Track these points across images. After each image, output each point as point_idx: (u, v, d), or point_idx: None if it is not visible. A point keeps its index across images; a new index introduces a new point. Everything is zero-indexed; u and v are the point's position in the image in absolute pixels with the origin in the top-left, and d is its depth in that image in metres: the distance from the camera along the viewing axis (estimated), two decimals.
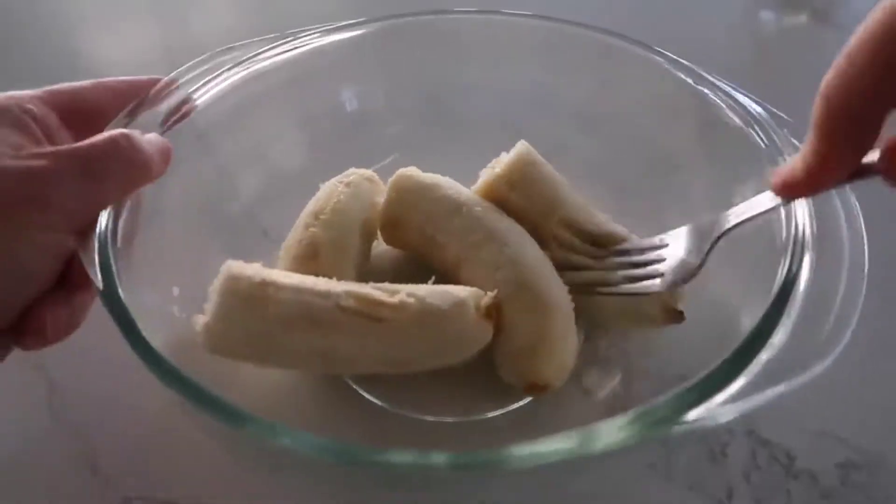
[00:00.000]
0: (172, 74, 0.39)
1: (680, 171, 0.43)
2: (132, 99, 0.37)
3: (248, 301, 0.32)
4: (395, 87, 0.48)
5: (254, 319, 0.32)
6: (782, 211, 0.33)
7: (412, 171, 0.40)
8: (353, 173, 0.42)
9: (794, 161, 0.28)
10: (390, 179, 0.40)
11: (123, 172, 0.32)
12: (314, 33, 0.44)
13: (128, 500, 0.35)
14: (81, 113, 0.35)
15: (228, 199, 0.43)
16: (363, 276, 0.38)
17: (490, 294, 0.34)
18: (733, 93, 0.40)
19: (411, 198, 0.39)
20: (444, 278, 0.37)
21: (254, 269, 0.33)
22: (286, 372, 0.37)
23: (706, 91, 0.41)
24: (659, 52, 0.43)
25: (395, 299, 0.33)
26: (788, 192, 0.30)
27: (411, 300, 0.33)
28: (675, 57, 0.42)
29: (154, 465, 0.37)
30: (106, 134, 0.32)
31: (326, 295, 0.33)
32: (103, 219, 0.31)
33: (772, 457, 0.37)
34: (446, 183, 0.40)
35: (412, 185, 0.40)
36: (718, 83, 0.40)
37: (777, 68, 0.66)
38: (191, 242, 0.39)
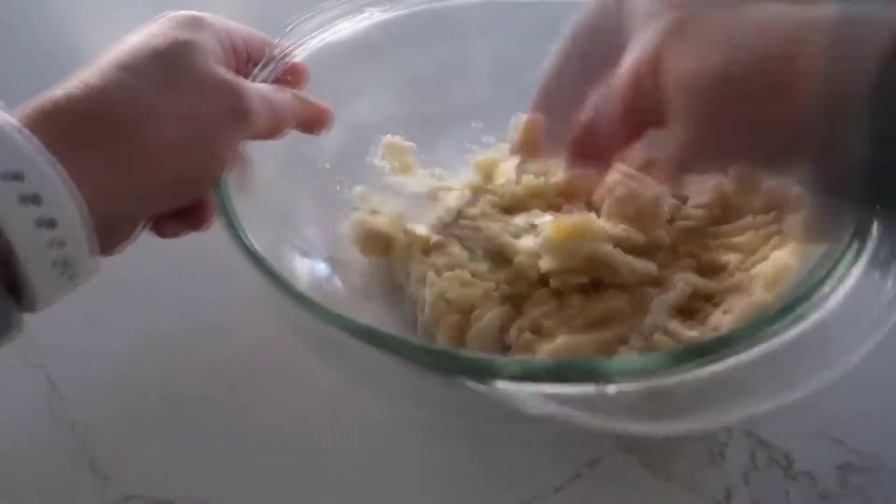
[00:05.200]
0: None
1: None
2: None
3: None
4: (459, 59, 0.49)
5: None
6: None
7: None
8: None
9: None
10: None
11: (291, 118, 0.37)
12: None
13: (127, 499, 0.36)
14: (239, 54, 0.37)
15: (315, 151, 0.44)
16: None
17: None
18: None
19: None
20: None
21: None
22: None
23: None
24: None
25: None
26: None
27: None
28: None
29: (154, 464, 0.37)
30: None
31: None
32: None
33: (771, 458, 0.37)
34: None
35: None
36: None
37: None
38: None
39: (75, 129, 0.29)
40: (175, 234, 0.35)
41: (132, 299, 0.43)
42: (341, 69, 0.44)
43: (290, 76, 0.39)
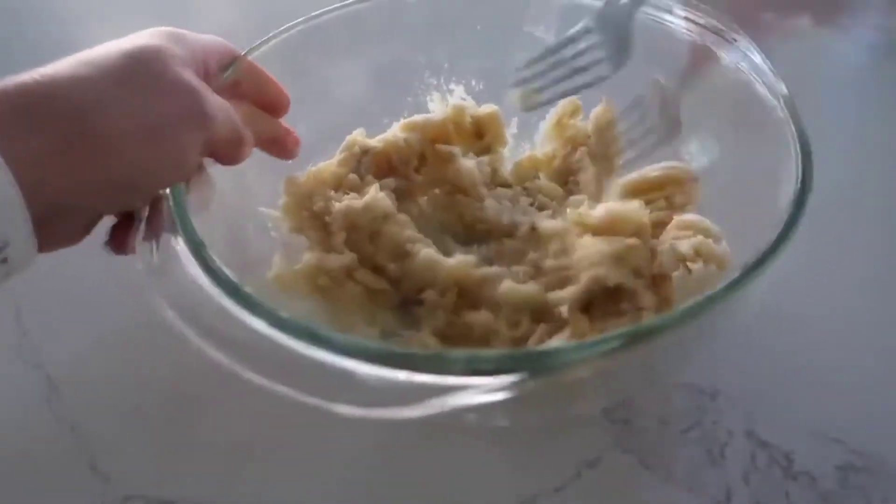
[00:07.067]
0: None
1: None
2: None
3: None
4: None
5: None
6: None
7: None
8: None
9: None
10: None
11: (251, 137, 0.37)
12: None
13: (127, 499, 0.36)
14: (210, 70, 0.37)
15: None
16: None
17: None
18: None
19: None
20: None
21: None
22: None
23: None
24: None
25: None
26: None
27: None
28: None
29: (154, 465, 0.37)
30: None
31: None
32: None
33: (771, 458, 0.37)
34: None
35: None
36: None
37: (778, 71, 0.65)
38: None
39: (17, 113, 0.29)
40: (128, 246, 0.34)
41: (133, 300, 0.43)
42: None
43: (265, 93, 0.40)
